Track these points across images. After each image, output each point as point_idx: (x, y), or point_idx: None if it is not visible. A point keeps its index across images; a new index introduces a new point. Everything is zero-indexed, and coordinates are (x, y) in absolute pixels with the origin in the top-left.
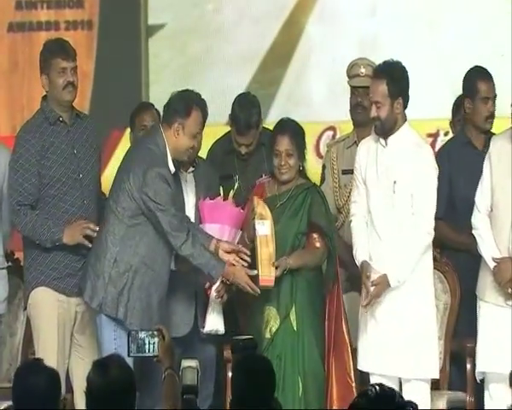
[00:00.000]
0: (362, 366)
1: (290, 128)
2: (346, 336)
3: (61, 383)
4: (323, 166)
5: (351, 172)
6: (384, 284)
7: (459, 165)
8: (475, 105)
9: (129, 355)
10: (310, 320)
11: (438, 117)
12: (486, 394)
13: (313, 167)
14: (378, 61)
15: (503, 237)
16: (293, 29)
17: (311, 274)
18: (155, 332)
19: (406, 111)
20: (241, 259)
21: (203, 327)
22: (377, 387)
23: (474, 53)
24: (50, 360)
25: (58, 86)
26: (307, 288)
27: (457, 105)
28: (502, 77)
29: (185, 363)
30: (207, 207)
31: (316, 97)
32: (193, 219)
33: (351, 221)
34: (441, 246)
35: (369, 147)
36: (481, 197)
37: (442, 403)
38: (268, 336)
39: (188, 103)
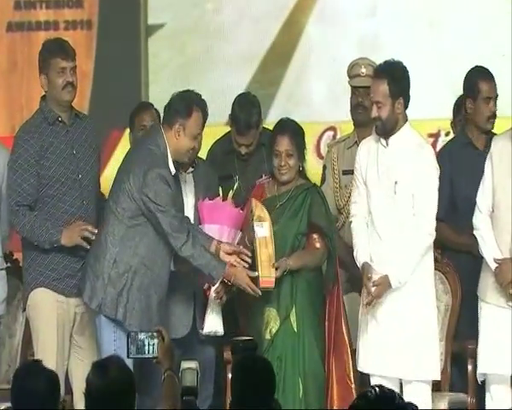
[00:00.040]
0: (362, 368)
1: (290, 128)
2: (346, 337)
3: (60, 384)
4: (324, 167)
5: (351, 172)
6: (385, 284)
7: (460, 165)
8: (477, 105)
9: (128, 357)
10: (310, 321)
11: (439, 117)
12: (488, 395)
13: (314, 168)
14: (379, 60)
15: (504, 237)
16: (294, 29)
17: (311, 275)
18: (155, 333)
19: (407, 111)
20: (242, 260)
21: (202, 328)
22: (377, 388)
23: (475, 53)
24: (49, 362)
25: (57, 86)
26: (307, 289)
27: (458, 105)
28: (502, 77)
29: (185, 364)
30: (206, 207)
31: (316, 97)
32: (192, 220)
33: (351, 222)
34: (442, 247)
35: (369, 147)
36: (483, 198)
37: (443, 404)
38: (268, 337)
39: (188, 104)
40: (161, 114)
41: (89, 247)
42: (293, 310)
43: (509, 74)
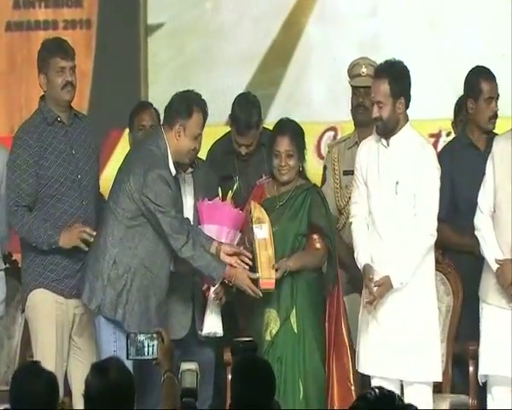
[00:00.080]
0: (362, 369)
1: (290, 129)
2: (346, 339)
3: (58, 386)
4: (324, 167)
5: (352, 172)
6: (387, 285)
7: (461, 166)
8: (479, 105)
9: (128, 358)
10: (310, 322)
11: (440, 117)
12: (489, 397)
13: (314, 168)
14: (379, 60)
15: (505, 238)
16: (294, 28)
17: (311, 276)
18: (154, 335)
19: (408, 111)
20: (243, 261)
21: (201, 330)
22: (377, 390)
23: (476, 52)
24: (49, 363)
25: (56, 86)
26: (307, 290)
27: (459, 105)
28: (502, 77)
29: (184, 366)
30: (206, 208)
31: (316, 97)
32: (191, 221)
33: (351, 223)
34: (443, 248)
35: (369, 147)
36: (484, 198)
37: (444, 406)
38: (268, 338)
39: (189, 104)
40: (161, 114)
41: (87, 249)
42: (294, 311)
43: (509, 74)
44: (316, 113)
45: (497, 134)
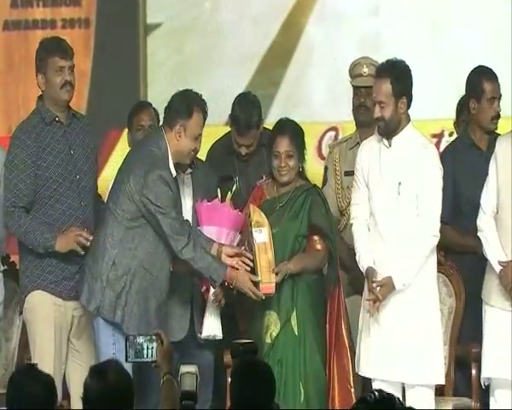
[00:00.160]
0: (363, 372)
1: (290, 129)
2: (346, 340)
3: (56, 388)
4: (325, 168)
5: (353, 173)
6: (389, 286)
7: (463, 167)
8: (481, 105)
9: (127, 360)
10: (311, 324)
11: (442, 117)
12: (492, 400)
13: (315, 169)
14: (381, 60)
15: (508, 239)
16: (294, 28)
17: (311, 278)
18: (154, 337)
19: (410, 111)
20: (244, 263)
21: (200, 332)
22: (376, 393)
23: (478, 52)
24: (47, 366)
25: (55, 85)
26: (308, 292)
27: (461, 105)
28: (503, 77)
29: (184, 368)
30: (205, 209)
31: (317, 97)
32: (190, 222)
33: (352, 224)
34: (446, 249)
35: (371, 148)
36: (487, 199)
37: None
38: (268, 341)
39: (189, 104)
40: (160, 114)
41: (83, 253)
42: (294, 313)
43: (510, 74)
44: (316, 113)
45: (499, 134)
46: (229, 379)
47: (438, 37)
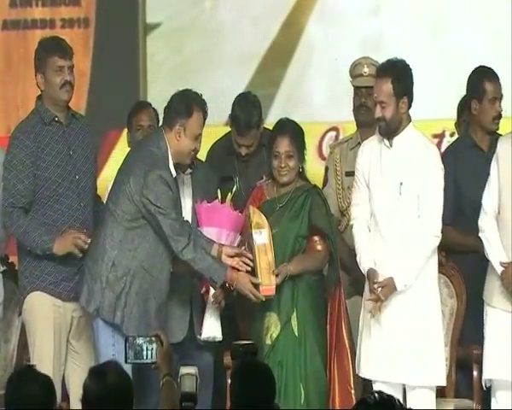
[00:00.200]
0: (363, 373)
1: (290, 129)
2: (347, 342)
3: (55, 390)
4: (326, 168)
5: (354, 173)
6: (390, 286)
7: (465, 167)
8: (483, 106)
9: (126, 362)
10: (311, 326)
11: (443, 117)
12: (493, 401)
13: (315, 169)
14: (381, 60)
15: (510, 239)
16: (294, 28)
17: (312, 278)
18: (153, 338)
19: (411, 111)
20: (244, 263)
21: (200, 334)
22: (376, 394)
23: (479, 52)
24: (46, 367)
25: (55, 85)
26: (309, 292)
27: (462, 105)
28: (503, 77)
29: (184, 370)
30: (204, 210)
31: (317, 97)
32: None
33: (352, 225)
34: (447, 250)
35: (371, 148)
36: (488, 199)
37: None
38: (268, 342)
39: (189, 104)
40: (160, 114)
41: (81, 255)
42: (295, 314)
43: (510, 74)
44: (317, 113)
45: (500, 135)
46: (229, 381)
47: (438, 36)
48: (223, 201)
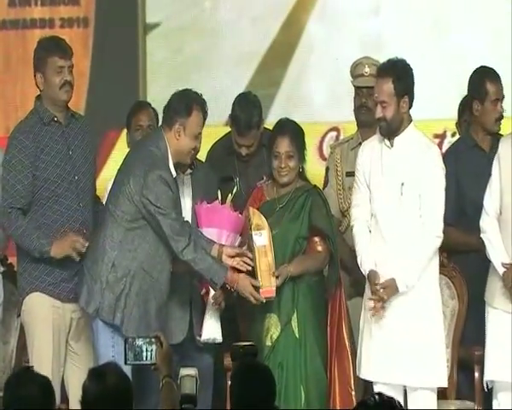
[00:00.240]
0: (364, 375)
1: (290, 129)
2: (347, 343)
3: (54, 391)
4: (327, 169)
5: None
6: (392, 287)
7: (466, 168)
8: (485, 107)
9: (126, 363)
10: (312, 327)
11: (444, 117)
12: (495, 403)
13: (316, 169)
14: (382, 60)
15: (511, 240)
16: (294, 27)
17: (312, 279)
18: (153, 339)
19: (412, 111)
20: (245, 263)
21: (200, 335)
22: (376, 396)
23: (480, 51)
24: (45, 368)
25: (54, 85)
26: (309, 293)
27: (463, 105)
28: (503, 77)
29: (184, 371)
30: (204, 211)
31: (318, 97)
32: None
33: (352, 226)
34: (448, 250)
35: (372, 148)
36: (490, 200)
37: None
38: (269, 343)
39: (188, 103)
40: (159, 114)
41: (78, 259)
42: (295, 315)
43: (510, 74)
44: (317, 113)
45: (501, 135)
46: (229, 382)
47: (439, 36)
48: (223, 202)
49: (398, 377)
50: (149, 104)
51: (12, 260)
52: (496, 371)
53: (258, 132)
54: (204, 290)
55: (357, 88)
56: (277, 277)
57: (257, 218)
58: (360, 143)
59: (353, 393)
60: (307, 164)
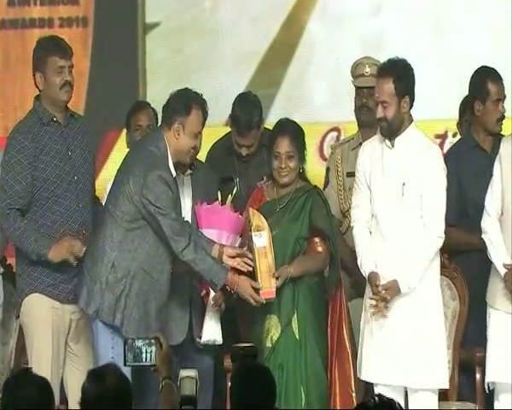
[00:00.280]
0: (365, 376)
1: (290, 129)
2: (348, 344)
3: (53, 392)
4: (327, 169)
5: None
6: (394, 289)
7: (468, 168)
8: (487, 107)
9: (125, 364)
10: (312, 328)
11: (446, 117)
12: (496, 404)
13: (317, 170)
14: (383, 60)
15: None
16: (295, 27)
17: (313, 280)
18: (152, 341)
19: (413, 111)
20: (246, 263)
21: (200, 337)
22: (376, 398)
23: (482, 51)
24: (44, 370)
25: (55, 86)
26: (309, 294)
27: (464, 105)
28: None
29: (184, 373)
30: (204, 212)
31: (318, 97)
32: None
33: (353, 227)
34: (450, 251)
35: (373, 148)
36: (491, 201)
37: None
38: (269, 345)
39: (187, 102)
40: (159, 114)
41: (75, 264)
42: (295, 317)
43: (510, 74)
44: (318, 113)
45: (503, 135)
46: (229, 383)
47: (440, 36)
48: (223, 202)
49: (399, 379)
50: (149, 104)
51: (11, 260)
52: (497, 372)
53: (258, 133)
54: (204, 292)
55: (357, 88)
56: (277, 278)
57: (257, 219)
58: (361, 144)
59: (354, 394)
60: (308, 164)
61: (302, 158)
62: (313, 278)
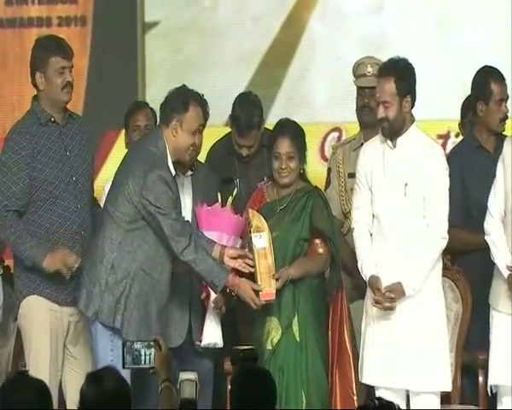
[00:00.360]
0: (366, 379)
1: (291, 130)
2: (349, 346)
3: (51, 395)
4: (329, 170)
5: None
6: (399, 291)
7: (471, 169)
8: (489, 108)
9: (124, 367)
10: (313, 330)
11: (448, 118)
12: (499, 407)
13: (318, 170)
14: (385, 59)
15: None
16: (295, 26)
17: (313, 282)
18: (151, 343)
19: (415, 111)
20: (248, 265)
21: (200, 340)
22: (376, 400)
23: (484, 50)
24: (42, 372)
25: (56, 86)
26: (310, 296)
27: (466, 106)
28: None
29: (183, 376)
30: (205, 213)
31: (319, 97)
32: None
33: (353, 229)
34: (452, 253)
35: (374, 149)
36: (494, 202)
37: None
38: (269, 347)
39: (184, 99)
40: (158, 114)
41: (68, 277)
42: (296, 319)
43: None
44: (319, 113)
45: (506, 136)
46: (229, 386)
47: (441, 35)
48: (223, 204)
49: (401, 382)
50: (147, 104)
51: (9, 262)
52: (500, 375)
53: (258, 133)
54: (204, 294)
55: (359, 88)
56: (277, 279)
57: (256, 220)
58: (362, 144)
59: (355, 397)
60: (308, 165)
61: (303, 159)
62: (314, 279)
